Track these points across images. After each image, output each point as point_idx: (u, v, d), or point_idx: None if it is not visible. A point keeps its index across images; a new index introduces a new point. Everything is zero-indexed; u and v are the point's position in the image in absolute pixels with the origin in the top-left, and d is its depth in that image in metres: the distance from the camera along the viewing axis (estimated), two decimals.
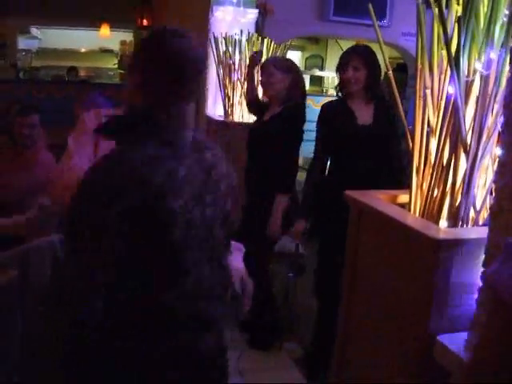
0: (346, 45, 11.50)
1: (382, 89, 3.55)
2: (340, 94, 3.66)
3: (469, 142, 1.96)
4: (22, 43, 12.20)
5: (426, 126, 2.13)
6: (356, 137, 3.47)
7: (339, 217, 3.41)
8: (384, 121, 3.44)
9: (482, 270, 1.74)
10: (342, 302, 2.44)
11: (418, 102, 2.14)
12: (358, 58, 3.43)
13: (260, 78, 4.10)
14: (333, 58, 11.73)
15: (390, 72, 2.25)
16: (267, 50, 5.28)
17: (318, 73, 12.50)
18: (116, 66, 13.28)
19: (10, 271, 3.03)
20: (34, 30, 12.31)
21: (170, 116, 1.69)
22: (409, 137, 2.19)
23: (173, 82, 1.69)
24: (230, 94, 5.54)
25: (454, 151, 2.00)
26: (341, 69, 3.50)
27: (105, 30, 11.19)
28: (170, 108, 1.70)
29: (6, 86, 8.73)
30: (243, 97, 5.43)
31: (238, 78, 5.43)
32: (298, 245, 4.15)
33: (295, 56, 11.85)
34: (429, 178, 2.11)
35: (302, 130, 3.90)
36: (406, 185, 2.48)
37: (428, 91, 2.08)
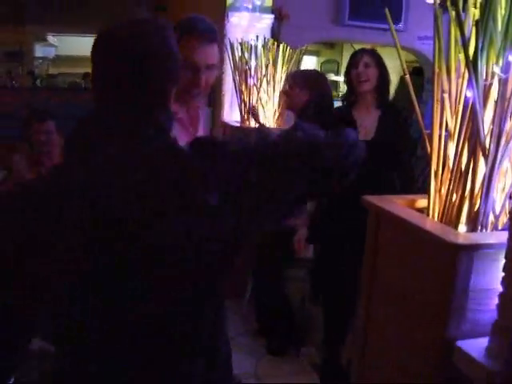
0: None
1: (397, 95, 3.55)
2: (345, 103, 3.65)
3: (487, 145, 1.94)
4: (39, 51, 12.28)
5: (443, 130, 2.12)
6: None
7: (340, 219, 3.43)
8: (391, 129, 3.40)
9: (502, 274, 1.73)
10: (360, 306, 2.43)
11: (435, 106, 2.12)
12: (370, 56, 3.43)
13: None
14: None
15: (408, 76, 2.24)
16: (283, 55, 5.27)
17: (333, 77, 12.49)
18: None
19: None
20: (51, 38, 12.39)
21: (94, 127, 1.43)
22: (426, 141, 2.18)
23: (103, 84, 1.45)
24: (247, 99, 5.54)
25: (472, 155, 1.98)
26: (351, 67, 3.49)
27: None
28: (98, 117, 1.45)
29: (24, 93, 8.80)
30: (259, 102, 5.44)
31: (254, 84, 5.42)
32: (314, 250, 4.14)
33: (311, 61, 11.84)
34: (447, 183, 2.10)
35: None
36: (418, 192, 2.48)
37: (446, 95, 2.07)
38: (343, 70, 12.91)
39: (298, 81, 3.95)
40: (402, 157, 3.41)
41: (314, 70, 4.60)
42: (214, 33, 2.19)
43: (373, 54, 3.48)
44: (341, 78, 12.45)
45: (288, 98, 4.10)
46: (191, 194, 1.38)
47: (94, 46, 1.46)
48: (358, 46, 10.77)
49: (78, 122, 1.47)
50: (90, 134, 1.43)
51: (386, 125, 3.41)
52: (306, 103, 3.87)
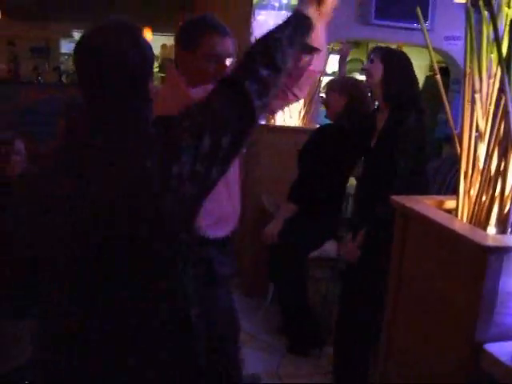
0: None
1: (422, 95, 3.46)
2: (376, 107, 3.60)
3: None
4: (65, 47, 12.34)
5: (474, 130, 2.10)
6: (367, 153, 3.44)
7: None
8: (392, 133, 3.29)
9: None
10: (386, 307, 2.41)
11: (466, 106, 2.11)
12: (374, 52, 3.36)
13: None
14: None
15: (438, 76, 2.22)
16: None
17: (358, 77, 12.42)
18: (157, 69, 13.41)
19: None
20: (76, 34, 12.44)
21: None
22: (456, 142, 2.16)
23: (89, 87, 1.63)
24: None
25: (503, 156, 1.96)
26: None
27: (147, 34, 11.27)
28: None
29: (50, 89, 8.87)
30: None
31: None
32: (339, 249, 4.13)
33: (335, 60, 11.79)
34: (477, 184, 2.08)
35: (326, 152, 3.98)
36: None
37: (477, 95, 2.05)
38: None
39: (335, 87, 3.94)
40: (401, 163, 3.23)
41: (351, 77, 4.60)
42: (226, 27, 2.46)
43: (379, 50, 3.40)
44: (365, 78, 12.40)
45: (324, 105, 4.10)
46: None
47: (76, 53, 1.62)
48: (383, 45, 10.64)
49: (67, 120, 1.64)
50: (82, 130, 1.66)
51: (388, 127, 3.29)
52: (343, 110, 3.86)
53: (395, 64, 3.30)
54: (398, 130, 3.13)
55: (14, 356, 2.83)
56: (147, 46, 1.64)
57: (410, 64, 3.36)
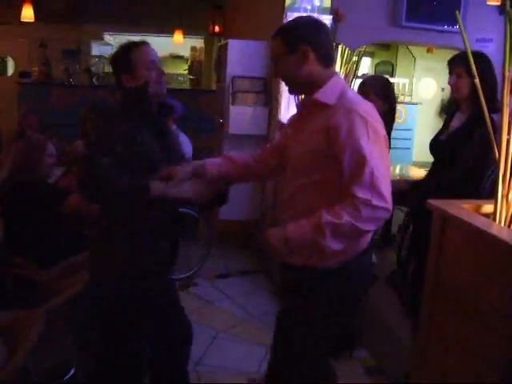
0: (417, 51, 11.17)
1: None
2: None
3: None
4: (96, 49, 12.45)
5: None
6: (433, 148, 3.40)
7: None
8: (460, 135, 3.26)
9: None
10: (422, 310, 2.40)
11: (504, 109, 2.09)
12: (459, 66, 3.28)
13: None
14: (403, 65, 11.56)
15: (477, 80, 2.21)
16: (341, 56, 5.23)
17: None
18: (186, 71, 13.45)
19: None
20: (107, 37, 12.56)
21: None
22: (494, 145, 2.14)
23: None
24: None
25: None
26: None
27: (178, 36, 11.28)
28: None
29: (81, 91, 8.99)
30: None
31: None
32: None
33: (365, 62, 11.74)
34: None
35: None
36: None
37: None
38: (398, 72, 12.58)
39: (370, 91, 3.86)
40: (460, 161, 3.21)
41: (383, 77, 4.53)
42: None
43: (464, 62, 3.16)
44: (395, 80, 12.32)
45: None
46: None
47: None
48: (413, 48, 10.60)
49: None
50: None
51: (467, 126, 3.23)
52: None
53: (484, 77, 3.07)
54: (476, 131, 3.07)
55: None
56: None
57: (493, 66, 3.27)
